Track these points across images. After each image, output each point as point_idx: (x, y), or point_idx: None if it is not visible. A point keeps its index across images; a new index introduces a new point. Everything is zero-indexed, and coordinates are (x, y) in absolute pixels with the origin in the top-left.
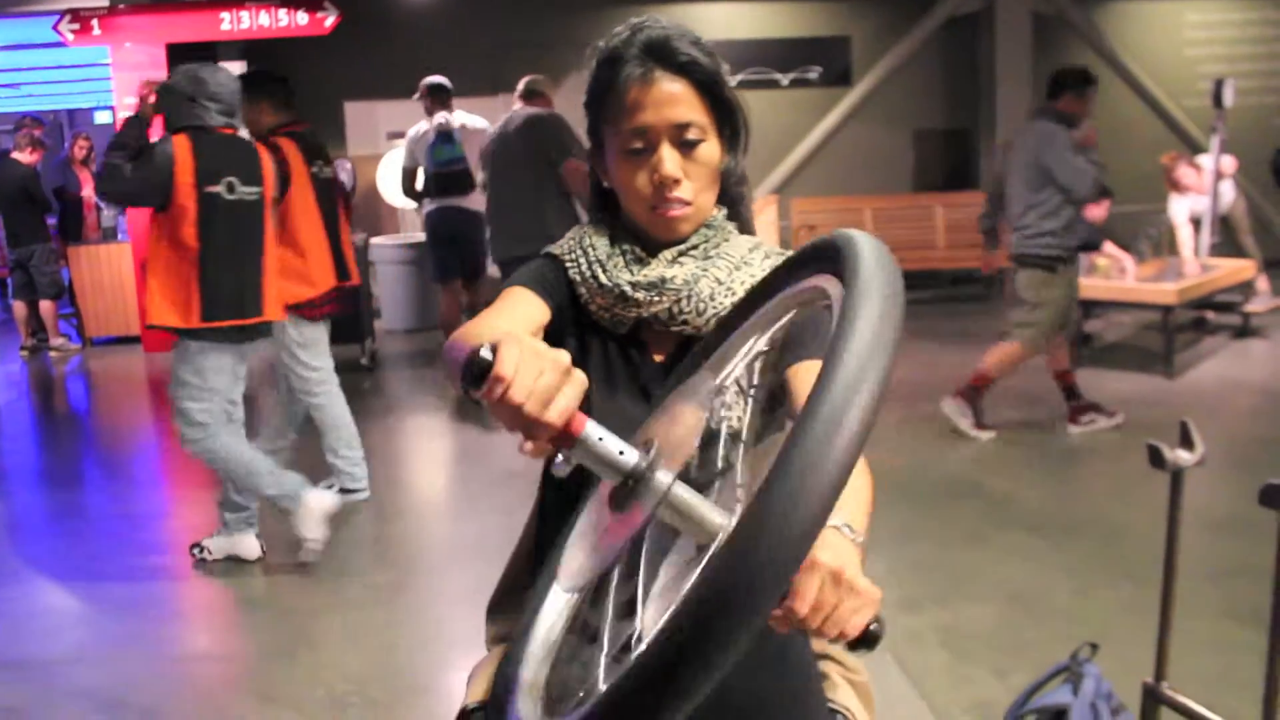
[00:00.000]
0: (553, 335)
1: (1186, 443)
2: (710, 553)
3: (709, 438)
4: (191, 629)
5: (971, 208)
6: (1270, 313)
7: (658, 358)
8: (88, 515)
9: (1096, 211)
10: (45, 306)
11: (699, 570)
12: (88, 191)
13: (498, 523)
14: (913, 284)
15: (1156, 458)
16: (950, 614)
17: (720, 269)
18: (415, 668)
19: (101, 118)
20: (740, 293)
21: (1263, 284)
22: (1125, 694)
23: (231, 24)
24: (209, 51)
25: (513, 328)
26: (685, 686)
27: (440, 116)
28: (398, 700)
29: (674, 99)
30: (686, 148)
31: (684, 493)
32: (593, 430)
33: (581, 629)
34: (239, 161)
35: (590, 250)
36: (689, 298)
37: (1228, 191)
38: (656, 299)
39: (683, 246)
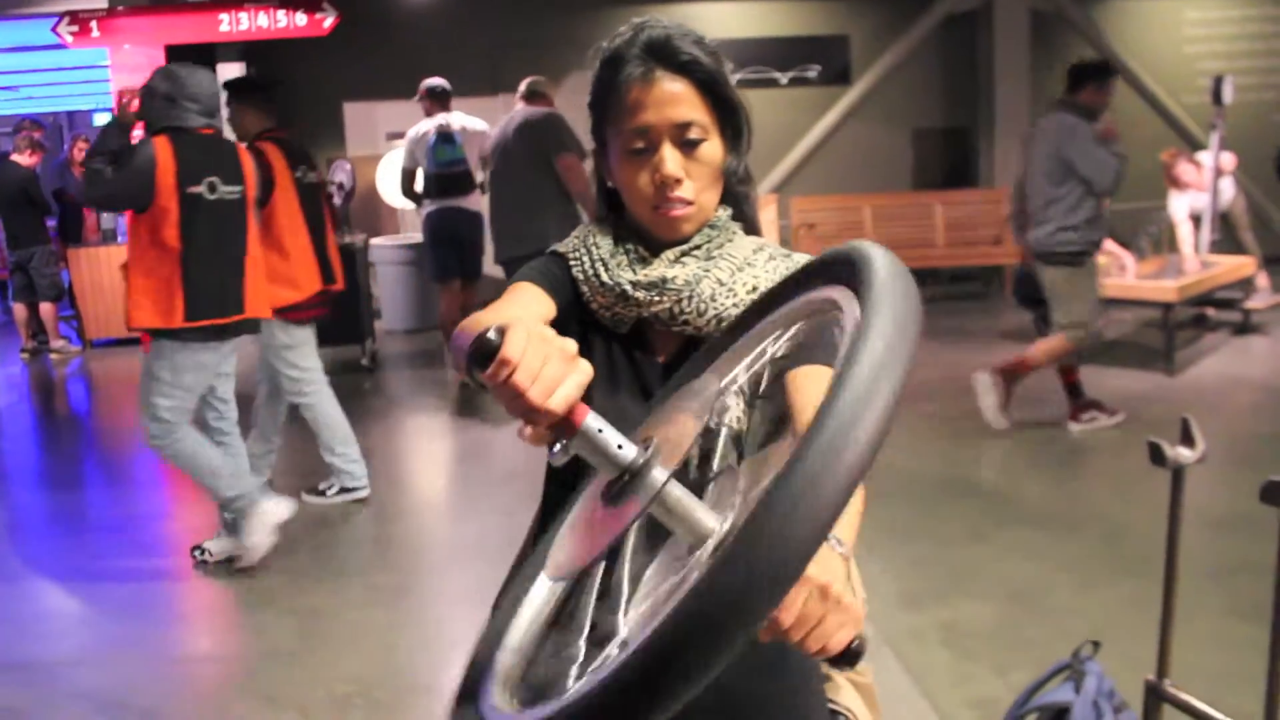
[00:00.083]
0: (557, 332)
1: (1187, 440)
2: (699, 557)
3: (708, 440)
4: (193, 630)
5: (971, 205)
6: (1270, 309)
7: (660, 358)
8: (89, 517)
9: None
10: (45, 309)
11: (689, 575)
12: None
13: (498, 523)
14: None
15: (1157, 455)
16: (951, 611)
17: (722, 270)
18: (417, 668)
19: (101, 120)
20: (742, 294)
21: (1263, 280)
22: (1127, 692)
23: (230, 25)
24: (208, 53)
25: (523, 316)
26: (667, 693)
27: (441, 117)
28: (399, 700)
29: (675, 98)
30: (688, 147)
31: (678, 492)
32: (593, 422)
33: (565, 621)
34: (220, 161)
35: (594, 249)
36: (690, 298)
37: (1227, 188)
38: (657, 299)
39: (685, 247)
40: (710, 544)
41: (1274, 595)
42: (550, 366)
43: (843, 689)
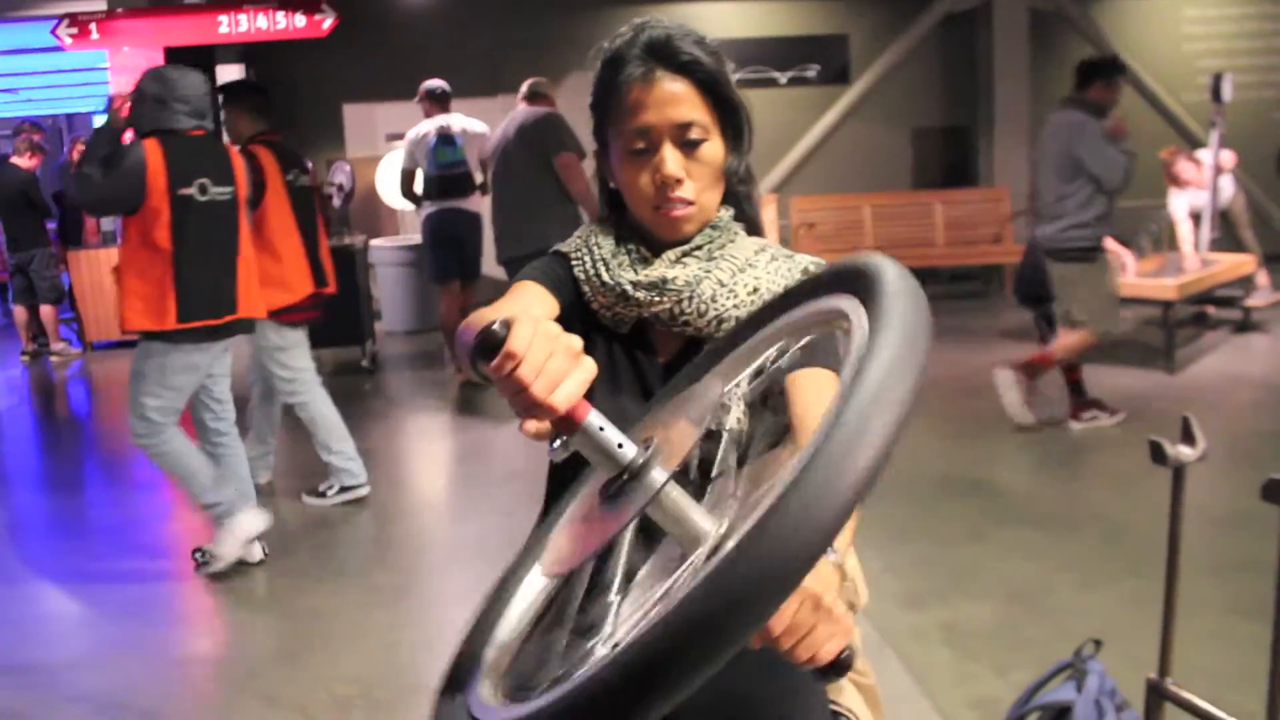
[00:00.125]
0: None
1: (1188, 438)
2: (693, 560)
3: (708, 443)
4: (193, 632)
5: (970, 204)
6: (1271, 307)
7: (662, 359)
8: (89, 519)
9: None
10: (46, 311)
11: (683, 578)
12: None
13: (499, 523)
14: None
15: (1158, 453)
16: (952, 611)
17: (724, 271)
18: (418, 668)
19: (100, 122)
20: (743, 295)
21: (1263, 278)
22: (1129, 690)
23: (230, 27)
24: (207, 55)
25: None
26: (656, 695)
27: (441, 119)
28: (401, 701)
29: (676, 99)
30: (689, 147)
31: (676, 494)
32: (594, 420)
33: (555, 616)
34: (211, 163)
35: (596, 249)
36: (690, 299)
37: (1227, 186)
38: (657, 299)
39: (686, 247)
40: (705, 548)
41: (1276, 593)
42: (555, 361)
43: (844, 690)
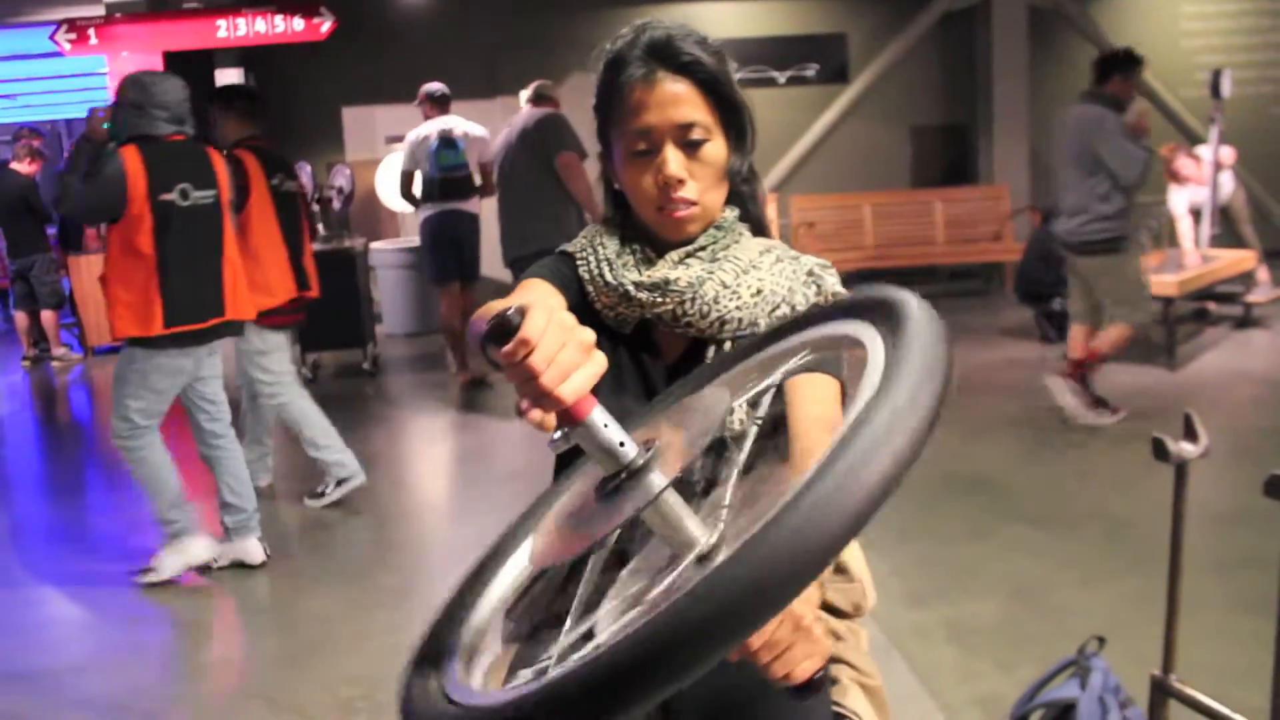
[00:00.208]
0: None
1: (1190, 434)
2: (681, 566)
3: (708, 452)
4: (196, 636)
5: (970, 202)
6: (1271, 303)
7: (666, 360)
8: (91, 524)
9: None
10: (47, 316)
11: (670, 582)
12: None
13: (500, 524)
14: (912, 280)
15: (1160, 450)
16: (954, 609)
17: (727, 272)
18: None
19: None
20: (746, 297)
21: (1263, 274)
22: (1133, 687)
23: (228, 31)
24: (206, 59)
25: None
26: (632, 697)
27: (441, 121)
28: None
29: (677, 99)
30: (691, 148)
31: (672, 500)
32: (599, 415)
33: (535, 604)
34: (191, 167)
35: (600, 249)
36: (693, 300)
37: (1227, 182)
38: (660, 300)
39: (690, 248)
40: (693, 555)
41: (1278, 588)
42: (566, 353)
43: (849, 691)
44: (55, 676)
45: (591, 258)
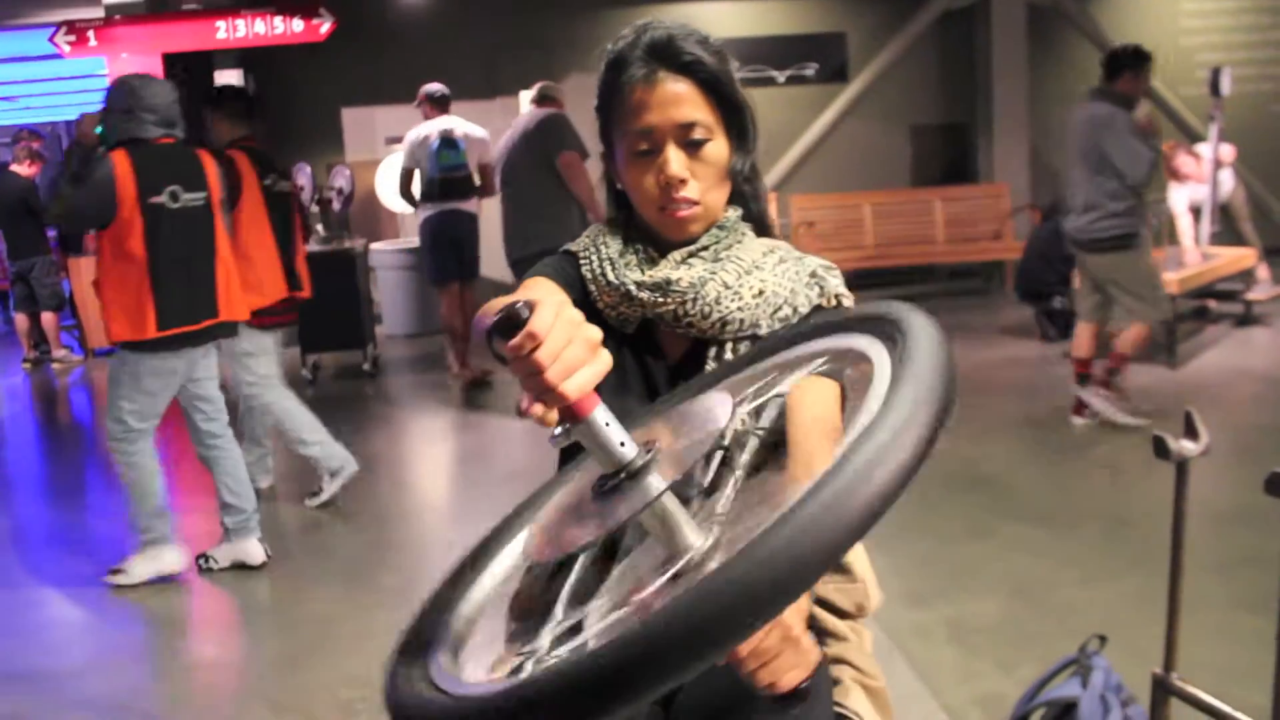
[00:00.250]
0: None
1: (1191, 433)
2: (673, 570)
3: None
4: (197, 637)
5: (970, 201)
6: (1271, 300)
7: (669, 361)
8: (92, 526)
9: None
10: (47, 318)
11: (663, 585)
12: None
13: None
14: (912, 279)
15: (1161, 448)
16: (955, 608)
17: (729, 273)
18: None
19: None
20: (748, 297)
21: (1263, 272)
22: (1134, 685)
23: (227, 33)
24: (206, 61)
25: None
26: (623, 696)
27: (442, 121)
28: None
29: (678, 99)
30: (692, 148)
31: (671, 504)
32: (601, 414)
33: (524, 596)
34: (180, 170)
35: (603, 248)
36: (695, 300)
37: (1227, 180)
38: (661, 300)
39: (693, 248)
40: (686, 559)
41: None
42: (573, 349)
43: (851, 692)
44: (55, 678)
45: (594, 257)
